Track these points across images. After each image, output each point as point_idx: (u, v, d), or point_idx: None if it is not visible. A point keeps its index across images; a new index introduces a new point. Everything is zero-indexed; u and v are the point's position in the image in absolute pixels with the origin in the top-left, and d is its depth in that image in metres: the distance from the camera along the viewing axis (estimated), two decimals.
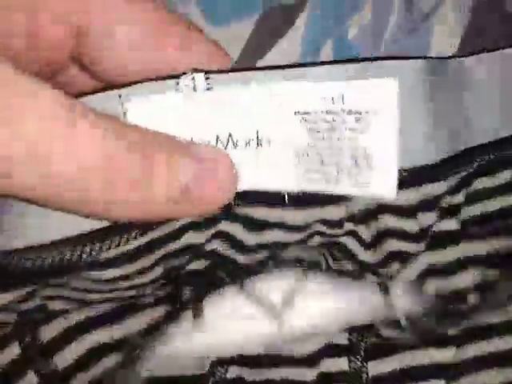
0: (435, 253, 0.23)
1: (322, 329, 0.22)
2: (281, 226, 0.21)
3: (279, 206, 0.20)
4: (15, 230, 0.18)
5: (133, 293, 0.22)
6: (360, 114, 0.17)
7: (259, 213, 0.20)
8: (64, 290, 0.20)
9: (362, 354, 0.22)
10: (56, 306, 0.21)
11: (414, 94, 0.19)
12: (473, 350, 0.22)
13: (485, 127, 0.21)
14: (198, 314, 0.21)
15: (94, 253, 0.18)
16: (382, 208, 0.21)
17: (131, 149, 0.15)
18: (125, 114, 0.17)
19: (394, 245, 0.21)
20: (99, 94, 0.17)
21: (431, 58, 0.19)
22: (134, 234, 0.19)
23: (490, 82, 0.21)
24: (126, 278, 0.20)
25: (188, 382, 0.22)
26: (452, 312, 0.22)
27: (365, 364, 0.22)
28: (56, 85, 0.14)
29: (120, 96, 0.17)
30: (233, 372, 0.22)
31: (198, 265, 0.22)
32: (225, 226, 0.20)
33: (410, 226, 0.21)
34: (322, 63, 0.18)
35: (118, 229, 0.18)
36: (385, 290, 0.22)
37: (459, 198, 0.21)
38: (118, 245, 0.19)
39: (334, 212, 0.20)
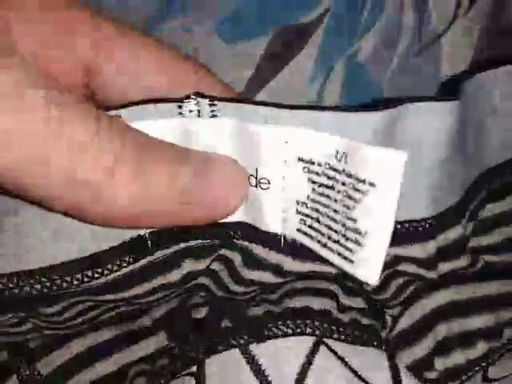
0: (453, 291, 0.22)
1: None
2: (276, 269, 0.19)
3: (276, 250, 0.19)
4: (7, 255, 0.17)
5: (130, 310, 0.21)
6: (359, 181, 0.15)
7: (257, 250, 0.19)
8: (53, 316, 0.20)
9: None
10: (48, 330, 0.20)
11: (439, 140, 0.17)
12: None
13: (499, 149, 0.21)
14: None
15: (85, 279, 0.18)
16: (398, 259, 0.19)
17: (132, 148, 0.15)
18: None
19: (403, 279, 0.21)
20: None
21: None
22: (126, 260, 0.18)
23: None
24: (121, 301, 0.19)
25: None
26: None
27: None
28: None
29: (120, 116, 0.16)
30: None
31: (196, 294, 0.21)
32: (224, 252, 0.19)
33: (430, 274, 0.20)
34: (333, 108, 0.16)
35: (109, 255, 0.18)
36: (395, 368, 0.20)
37: (469, 230, 0.20)
38: (110, 272, 0.18)
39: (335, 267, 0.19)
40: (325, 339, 0.19)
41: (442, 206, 0.19)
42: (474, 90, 0.18)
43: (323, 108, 0.16)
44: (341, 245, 0.17)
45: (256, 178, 0.17)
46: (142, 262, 0.18)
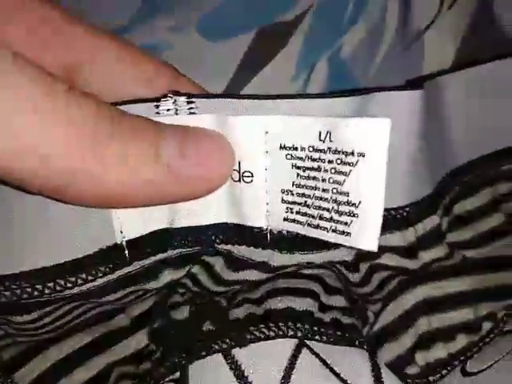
0: (432, 286, 0.22)
1: None
2: (262, 267, 0.20)
3: (262, 246, 0.19)
4: None
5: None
6: (346, 154, 0.16)
7: (242, 252, 0.19)
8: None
9: None
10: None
11: (409, 128, 0.18)
12: None
13: (466, 147, 0.21)
14: None
15: (58, 288, 0.17)
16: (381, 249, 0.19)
17: (109, 123, 0.15)
18: None
19: (386, 273, 0.21)
20: None
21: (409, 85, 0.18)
22: (102, 270, 0.18)
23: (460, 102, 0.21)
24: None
25: None
26: None
27: None
28: None
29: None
30: None
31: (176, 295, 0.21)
32: (205, 258, 0.19)
33: (412, 264, 0.20)
34: (310, 96, 0.17)
35: (84, 264, 0.17)
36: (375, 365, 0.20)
37: (444, 225, 0.21)
38: (85, 281, 0.17)
39: (321, 257, 0.20)
40: (307, 341, 0.19)
41: (418, 196, 0.19)
42: (434, 91, 0.19)
43: (289, 96, 0.17)
44: (335, 221, 0.17)
45: (239, 172, 0.17)
46: (119, 272, 0.18)
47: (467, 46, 0.32)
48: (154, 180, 0.15)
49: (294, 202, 0.17)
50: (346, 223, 0.16)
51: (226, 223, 0.18)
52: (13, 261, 0.17)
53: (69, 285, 0.17)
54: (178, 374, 0.19)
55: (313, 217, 0.17)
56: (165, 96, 0.17)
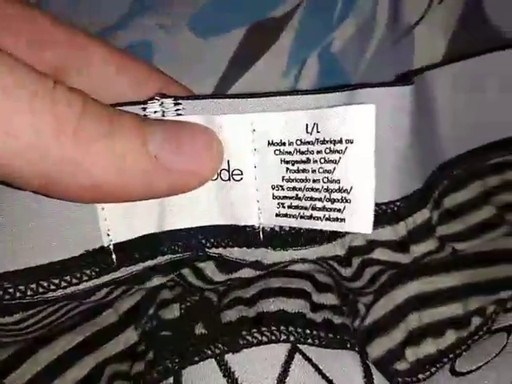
0: (424, 281, 0.23)
1: None
2: (255, 265, 0.20)
3: (254, 245, 0.19)
4: None
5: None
6: (335, 142, 0.16)
7: (234, 254, 0.19)
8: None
9: None
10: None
11: (399, 124, 0.18)
12: None
13: (454, 141, 0.22)
14: None
15: (41, 290, 0.17)
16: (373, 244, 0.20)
17: (95, 117, 0.15)
18: None
19: (378, 267, 0.21)
20: None
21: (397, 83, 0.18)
22: (88, 274, 0.17)
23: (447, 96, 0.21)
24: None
25: None
26: None
27: None
28: None
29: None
30: None
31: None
32: (195, 263, 0.19)
33: (404, 258, 0.20)
34: (297, 92, 0.17)
35: (69, 266, 0.17)
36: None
37: (435, 218, 0.21)
38: (69, 284, 0.17)
39: (314, 252, 0.20)
40: (299, 345, 0.19)
41: (408, 190, 0.19)
42: (423, 85, 0.19)
43: (274, 94, 0.17)
44: (327, 209, 0.17)
45: (228, 171, 0.17)
46: (105, 278, 0.18)
47: (457, 40, 0.32)
48: (141, 171, 0.15)
49: (285, 197, 0.17)
50: (338, 210, 0.17)
51: (217, 225, 0.18)
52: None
53: (52, 287, 0.17)
54: (171, 380, 0.19)
55: (305, 208, 0.17)
56: (152, 99, 0.17)
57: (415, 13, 0.32)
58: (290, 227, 0.19)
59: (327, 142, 0.16)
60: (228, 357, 0.19)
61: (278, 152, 0.17)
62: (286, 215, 0.18)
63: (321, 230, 0.18)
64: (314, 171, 0.17)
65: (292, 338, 0.19)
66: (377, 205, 0.19)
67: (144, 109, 0.17)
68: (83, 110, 0.14)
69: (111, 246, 0.17)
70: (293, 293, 0.21)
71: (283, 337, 0.19)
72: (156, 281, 0.19)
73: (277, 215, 0.18)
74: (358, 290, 0.23)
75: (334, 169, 0.16)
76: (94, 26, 0.29)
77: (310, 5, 0.31)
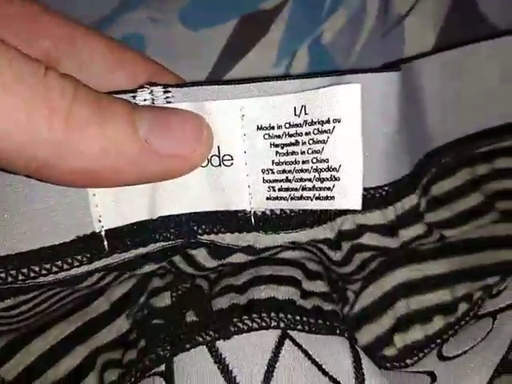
0: (411, 268, 0.23)
1: None
2: (247, 250, 0.20)
3: (246, 230, 0.19)
4: None
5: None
6: (323, 123, 0.16)
7: (226, 239, 0.19)
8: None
9: None
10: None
11: (387, 109, 0.18)
12: None
13: (441, 130, 0.22)
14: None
15: (32, 274, 0.17)
16: (363, 228, 0.20)
17: (86, 101, 0.15)
18: None
19: (368, 253, 0.21)
20: None
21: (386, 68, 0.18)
22: (79, 259, 0.17)
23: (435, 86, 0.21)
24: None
25: None
26: None
27: None
28: None
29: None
30: None
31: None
32: (187, 251, 0.19)
33: (393, 243, 0.21)
34: (286, 77, 0.17)
35: (60, 251, 0.17)
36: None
37: (423, 205, 0.21)
38: (61, 269, 0.17)
39: (305, 235, 0.20)
40: (289, 331, 0.20)
41: (396, 175, 0.19)
42: (411, 74, 0.19)
43: (263, 79, 0.17)
44: (317, 189, 0.17)
45: (219, 157, 0.18)
46: (97, 264, 0.18)
47: (448, 31, 0.32)
48: (132, 155, 0.16)
49: (275, 180, 0.18)
50: (328, 188, 0.17)
51: (208, 212, 0.18)
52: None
53: (43, 272, 0.17)
54: (163, 367, 0.19)
55: (295, 190, 0.17)
56: (141, 87, 0.17)
57: (405, 3, 0.32)
58: (280, 211, 0.19)
59: (315, 122, 0.16)
60: (219, 344, 0.19)
61: (267, 136, 0.17)
62: (276, 198, 0.18)
63: (311, 213, 0.19)
64: (303, 153, 0.17)
65: (282, 325, 0.20)
66: (366, 189, 0.19)
67: (134, 97, 0.17)
68: (75, 96, 0.15)
69: (103, 232, 0.18)
70: (283, 280, 0.21)
71: (273, 323, 0.20)
72: (148, 268, 0.19)
73: (267, 199, 0.18)
74: (347, 277, 0.23)
75: (323, 149, 0.17)
76: (87, 19, 0.29)
77: None
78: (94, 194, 0.17)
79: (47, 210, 0.17)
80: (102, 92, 0.16)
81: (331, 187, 0.17)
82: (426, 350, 0.22)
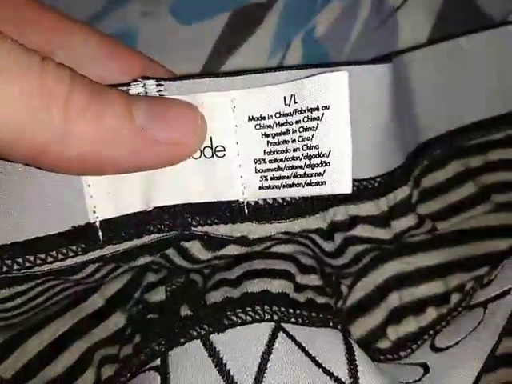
0: (403, 261, 0.23)
1: None
2: (241, 240, 0.20)
3: (240, 220, 0.19)
4: None
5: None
6: (312, 110, 0.17)
7: (220, 230, 0.19)
8: None
9: None
10: None
11: (378, 101, 0.18)
12: None
13: (433, 122, 0.22)
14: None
15: (27, 264, 0.17)
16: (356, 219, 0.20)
17: (83, 90, 0.15)
18: None
19: (362, 246, 0.21)
20: None
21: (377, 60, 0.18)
22: (74, 250, 0.17)
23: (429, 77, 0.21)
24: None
25: None
26: None
27: None
28: None
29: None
30: None
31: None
32: (181, 243, 0.19)
33: (385, 234, 0.21)
34: (278, 69, 0.18)
35: (54, 241, 0.17)
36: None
37: (415, 197, 0.22)
38: (55, 259, 0.17)
39: (298, 225, 0.20)
40: (283, 324, 0.20)
41: (389, 167, 0.20)
42: (402, 66, 0.19)
43: (253, 71, 0.18)
44: (308, 175, 0.17)
45: (211, 148, 0.18)
46: (92, 255, 0.18)
47: (443, 22, 0.32)
48: (129, 143, 0.16)
49: (267, 170, 0.18)
50: (319, 174, 0.17)
51: (202, 203, 0.19)
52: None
53: (38, 261, 0.17)
54: (158, 361, 0.19)
55: (287, 177, 0.18)
56: (134, 81, 0.17)
57: None
58: (273, 200, 0.19)
59: (305, 110, 0.17)
60: (213, 337, 0.19)
61: (258, 126, 0.18)
62: (269, 187, 0.18)
63: (304, 202, 0.19)
64: (293, 141, 0.17)
65: (276, 317, 0.20)
66: (358, 180, 0.19)
67: (127, 90, 0.17)
68: (72, 84, 0.15)
69: (97, 223, 0.18)
70: (277, 274, 0.21)
71: (267, 316, 0.20)
72: (142, 260, 0.19)
73: (260, 188, 0.18)
74: (340, 271, 0.23)
75: (313, 135, 0.17)
76: (79, 13, 0.29)
77: None
78: (89, 185, 0.17)
79: (42, 200, 0.17)
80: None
81: (322, 172, 0.17)
82: (419, 342, 0.22)
